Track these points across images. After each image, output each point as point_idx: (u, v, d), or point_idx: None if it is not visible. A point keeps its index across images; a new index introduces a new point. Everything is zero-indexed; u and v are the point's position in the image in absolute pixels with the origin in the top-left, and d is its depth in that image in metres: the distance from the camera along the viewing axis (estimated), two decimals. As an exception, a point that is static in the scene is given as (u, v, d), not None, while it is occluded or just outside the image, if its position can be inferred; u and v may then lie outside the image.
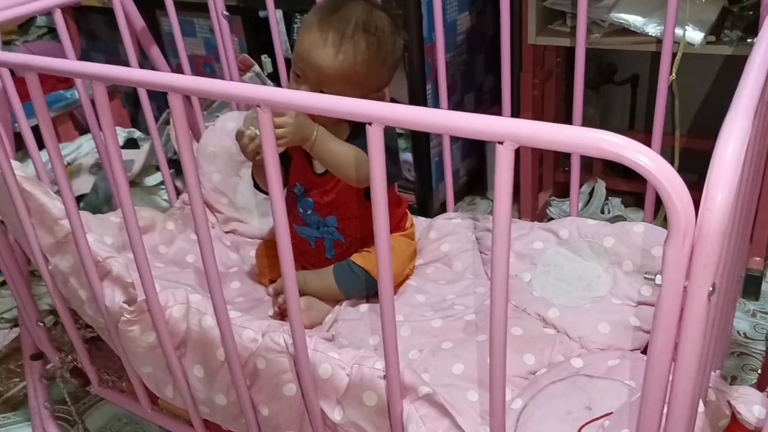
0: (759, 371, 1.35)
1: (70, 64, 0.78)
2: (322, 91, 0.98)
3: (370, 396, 0.76)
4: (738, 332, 1.46)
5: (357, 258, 1.10)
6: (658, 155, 0.46)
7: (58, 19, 1.13)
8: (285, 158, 1.04)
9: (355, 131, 1.05)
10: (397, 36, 1.04)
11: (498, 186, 0.54)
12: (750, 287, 1.52)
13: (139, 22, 1.35)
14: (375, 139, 0.58)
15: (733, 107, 0.52)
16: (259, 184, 1.13)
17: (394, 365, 0.71)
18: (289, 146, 0.98)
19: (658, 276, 0.49)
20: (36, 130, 1.08)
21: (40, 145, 1.09)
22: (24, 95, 1.09)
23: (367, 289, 1.10)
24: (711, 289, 0.47)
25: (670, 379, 0.53)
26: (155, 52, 1.39)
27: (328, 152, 1.00)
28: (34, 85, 0.79)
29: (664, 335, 0.50)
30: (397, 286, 1.13)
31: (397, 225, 1.16)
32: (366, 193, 1.08)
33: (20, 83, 1.09)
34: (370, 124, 0.58)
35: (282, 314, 1.09)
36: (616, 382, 0.84)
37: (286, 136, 0.95)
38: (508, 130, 0.51)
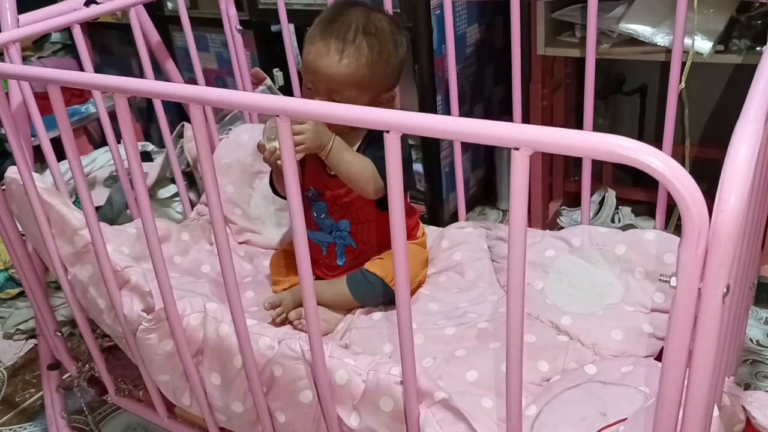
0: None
1: (96, 77, 0.80)
2: (334, 100, 1.00)
3: (386, 401, 0.77)
4: (751, 340, 1.46)
5: (370, 266, 1.10)
6: (670, 158, 0.47)
7: (77, 34, 1.14)
8: (300, 162, 1.06)
9: (368, 140, 1.06)
10: (399, 35, 1.05)
11: (514, 190, 0.55)
12: (763, 295, 1.52)
13: (154, 36, 1.37)
14: (392, 146, 0.60)
15: (745, 112, 0.53)
16: (279, 190, 1.15)
17: (411, 369, 0.72)
18: (306, 153, 0.99)
19: (674, 278, 0.49)
20: (52, 142, 1.10)
21: (56, 157, 1.11)
22: (41, 109, 1.11)
23: (381, 296, 1.10)
24: (725, 290, 0.48)
25: (685, 383, 0.53)
26: (170, 66, 1.42)
27: (342, 162, 1.01)
28: (57, 99, 0.81)
29: (679, 337, 0.51)
30: (411, 293, 1.13)
31: (409, 233, 1.17)
32: (378, 204, 1.09)
33: (36, 98, 1.11)
34: (387, 131, 0.59)
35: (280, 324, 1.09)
36: (630, 388, 0.85)
37: (304, 143, 0.97)
38: (524, 136, 0.52)
